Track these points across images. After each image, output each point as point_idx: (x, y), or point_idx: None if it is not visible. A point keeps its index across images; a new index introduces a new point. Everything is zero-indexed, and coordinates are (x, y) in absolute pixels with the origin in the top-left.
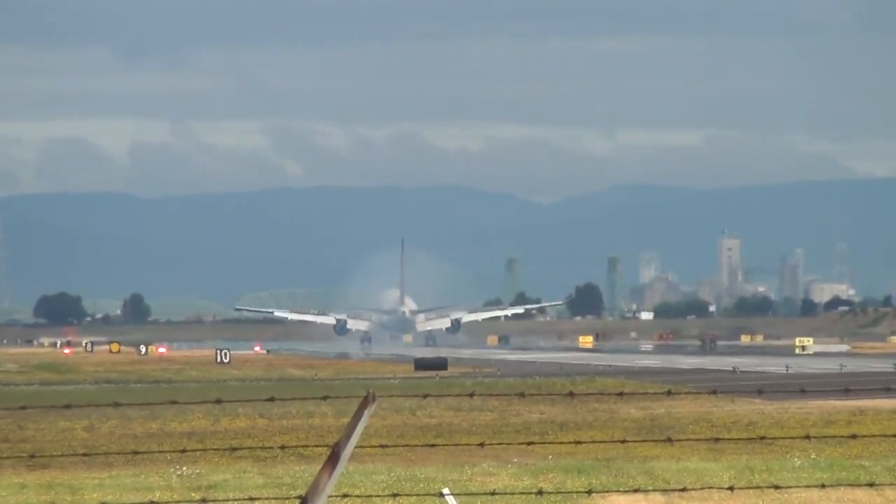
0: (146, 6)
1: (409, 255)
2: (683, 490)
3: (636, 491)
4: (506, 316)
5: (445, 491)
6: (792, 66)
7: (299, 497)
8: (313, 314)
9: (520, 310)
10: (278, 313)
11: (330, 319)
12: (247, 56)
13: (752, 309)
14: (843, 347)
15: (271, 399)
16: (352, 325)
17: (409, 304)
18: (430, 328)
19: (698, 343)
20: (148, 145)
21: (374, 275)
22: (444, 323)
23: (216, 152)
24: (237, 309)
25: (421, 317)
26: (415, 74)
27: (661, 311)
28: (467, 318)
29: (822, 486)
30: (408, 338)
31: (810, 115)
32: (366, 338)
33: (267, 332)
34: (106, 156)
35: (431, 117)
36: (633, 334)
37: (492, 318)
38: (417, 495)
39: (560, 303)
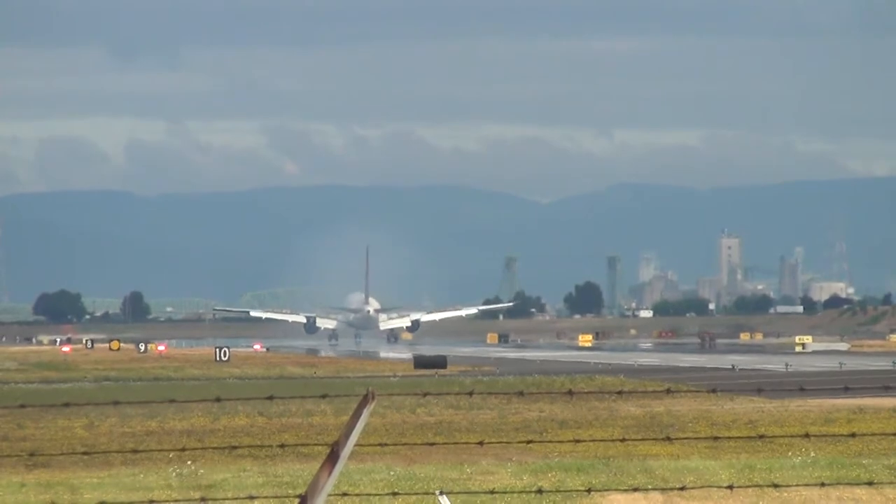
0: (142, 6)
1: (407, 254)
2: (683, 489)
3: (635, 490)
4: (461, 317)
5: (442, 498)
6: (790, 66)
7: (299, 496)
8: (285, 313)
9: (473, 310)
10: (254, 313)
11: (300, 318)
12: (243, 56)
13: (752, 307)
14: (843, 346)
15: (271, 397)
16: (320, 323)
17: (374, 304)
18: (391, 327)
19: (698, 341)
20: (145, 144)
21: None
22: (405, 322)
23: (213, 151)
24: (216, 309)
25: (384, 316)
26: (412, 74)
27: (661, 310)
28: (426, 318)
29: (822, 484)
30: (406, 335)
31: (809, 114)
32: (333, 335)
33: (244, 331)
34: (104, 155)
35: (428, 117)
36: (632, 332)
37: (451, 318)
38: (417, 494)
39: (510, 304)
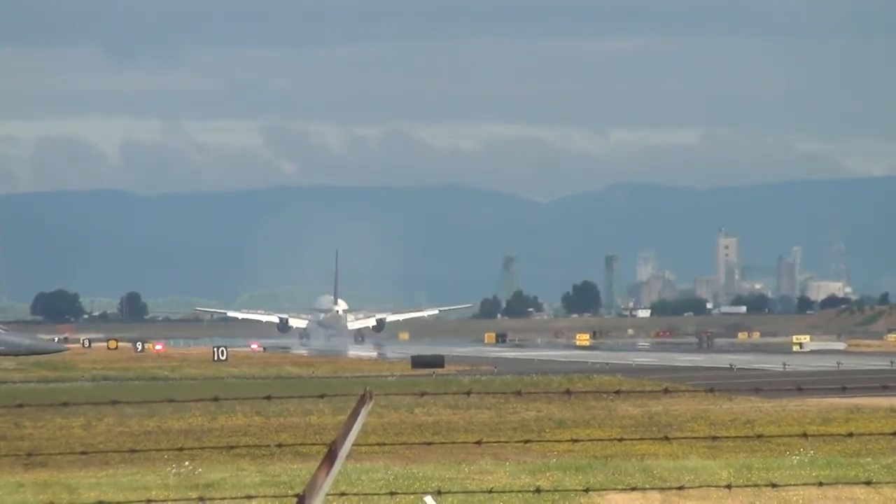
0: (138, 5)
1: (405, 254)
2: (681, 488)
3: (634, 489)
4: (424, 317)
5: (428, 499)
6: (788, 66)
7: (297, 495)
8: (260, 314)
9: (435, 311)
10: (230, 313)
11: (274, 318)
12: (240, 55)
13: (750, 306)
14: (840, 345)
15: (268, 397)
16: (292, 322)
17: (342, 305)
18: (358, 327)
19: (695, 341)
20: (143, 144)
21: (364, 274)
22: (371, 322)
23: (211, 151)
24: (197, 309)
25: (351, 316)
26: (409, 74)
27: (659, 309)
28: (391, 318)
29: (820, 483)
30: (404, 336)
31: (806, 114)
32: (304, 334)
33: (224, 331)
34: (102, 154)
35: (426, 116)
36: (630, 332)
37: (414, 318)
38: (415, 493)
39: (469, 305)
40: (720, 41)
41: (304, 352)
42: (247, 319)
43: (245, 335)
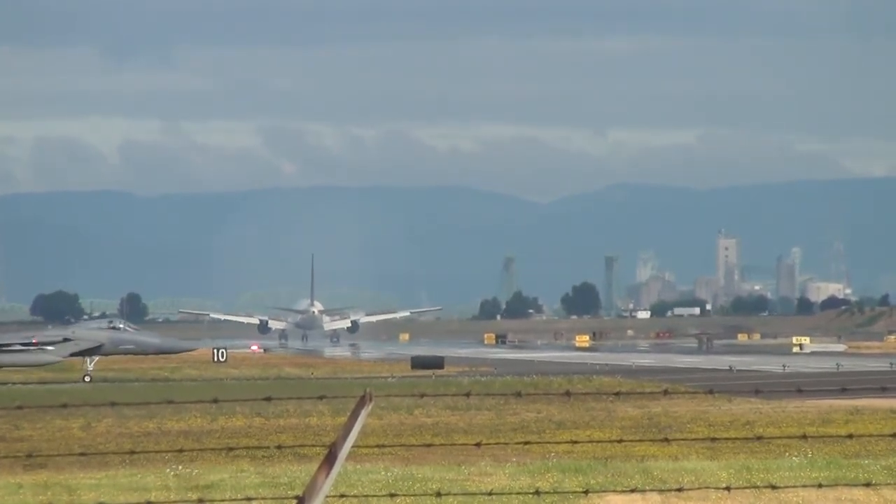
0: (137, 6)
1: (404, 254)
2: (680, 490)
3: (633, 491)
4: (396, 318)
5: None
6: (787, 66)
7: (296, 497)
8: (242, 315)
9: (406, 313)
10: (213, 315)
11: (254, 320)
12: (238, 55)
13: (749, 308)
14: (840, 346)
15: (268, 398)
16: (272, 324)
17: (318, 306)
18: (334, 328)
19: (695, 342)
20: (142, 144)
21: (364, 274)
22: (346, 323)
23: (210, 151)
24: (181, 312)
25: (327, 318)
26: (408, 74)
27: (658, 310)
28: (364, 319)
29: (819, 485)
30: (404, 337)
31: (806, 114)
32: (283, 335)
33: (208, 332)
34: (101, 155)
35: (424, 117)
36: (629, 333)
37: (387, 320)
38: (414, 495)
39: (440, 307)
40: (720, 41)
41: (281, 352)
42: (228, 321)
43: (229, 337)
